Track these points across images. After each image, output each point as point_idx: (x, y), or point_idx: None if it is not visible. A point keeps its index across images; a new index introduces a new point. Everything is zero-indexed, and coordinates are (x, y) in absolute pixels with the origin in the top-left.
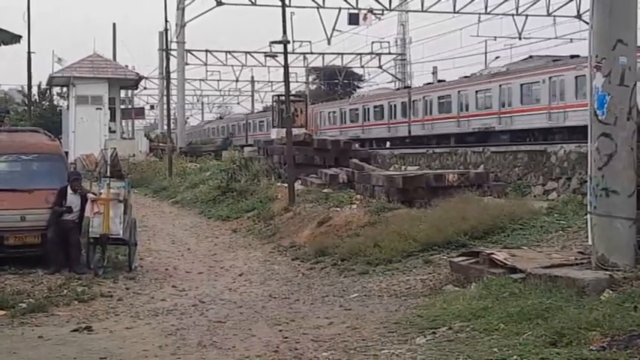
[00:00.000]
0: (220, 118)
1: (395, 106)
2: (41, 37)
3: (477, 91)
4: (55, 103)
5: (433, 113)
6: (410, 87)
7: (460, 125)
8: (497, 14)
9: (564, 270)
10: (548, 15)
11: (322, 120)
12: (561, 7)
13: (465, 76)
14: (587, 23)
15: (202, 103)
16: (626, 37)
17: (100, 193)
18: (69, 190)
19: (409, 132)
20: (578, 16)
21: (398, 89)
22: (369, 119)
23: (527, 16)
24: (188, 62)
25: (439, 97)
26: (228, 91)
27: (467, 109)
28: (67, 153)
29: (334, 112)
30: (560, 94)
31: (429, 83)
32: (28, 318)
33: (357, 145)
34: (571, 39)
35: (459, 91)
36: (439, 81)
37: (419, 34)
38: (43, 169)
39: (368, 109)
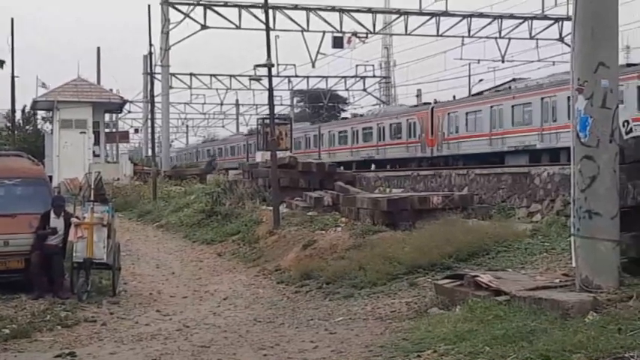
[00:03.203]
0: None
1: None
2: (25, 61)
3: None
4: (40, 127)
5: None
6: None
7: None
8: (481, 37)
9: (548, 292)
10: (531, 38)
11: (453, 125)
12: (544, 30)
13: None
14: (569, 46)
15: (187, 127)
16: (607, 60)
17: (84, 218)
18: (52, 215)
19: None
20: (561, 39)
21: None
22: (554, 119)
23: (510, 39)
24: (172, 85)
25: None
26: (213, 115)
27: None
28: (50, 177)
29: (477, 113)
30: None
31: None
32: (11, 344)
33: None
34: (553, 62)
35: None
36: None
37: (403, 57)
38: (27, 193)
39: (554, 103)
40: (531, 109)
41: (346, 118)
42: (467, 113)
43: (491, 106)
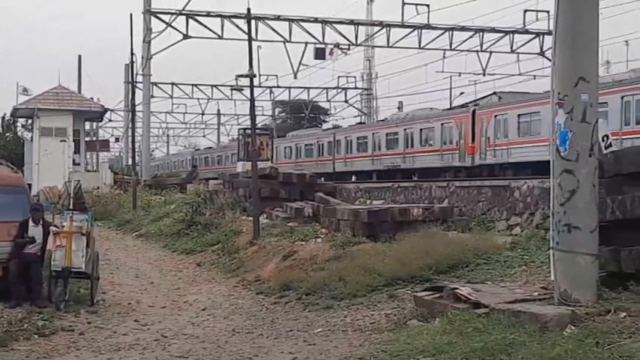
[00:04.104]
0: None
1: None
2: (5, 68)
3: None
4: (20, 134)
5: None
6: None
7: None
8: (462, 50)
9: (527, 305)
10: (512, 52)
11: (501, 129)
12: (525, 44)
13: None
14: (549, 60)
15: (168, 136)
16: (587, 75)
17: (63, 226)
18: (30, 223)
19: None
20: (541, 54)
21: None
22: (638, 121)
23: (491, 52)
24: (154, 95)
25: None
26: (194, 124)
27: None
28: (30, 185)
29: (534, 115)
30: None
31: None
32: None
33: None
34: (534, 76)
35: None
36: None
37: (385, 69)
38: (5, 201)
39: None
40: (607, 110)
41: (362, 123)
42: (519, 115)
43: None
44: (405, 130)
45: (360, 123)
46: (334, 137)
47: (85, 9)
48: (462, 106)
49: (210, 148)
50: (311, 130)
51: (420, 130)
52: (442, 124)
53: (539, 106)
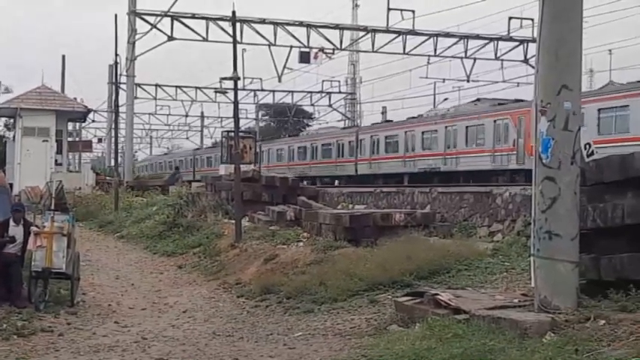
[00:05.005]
0: None
1: None
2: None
3: None
4: (2, 133)
5: None
6: None
7: None
8: (447, 57)
9: (507, 312)
10: (496, 59)
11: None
12: (509, 51)
13: None
14: (533, 68)
15: (151, 137)
16: (570, 83)
17: (44, 226)
18: (11, 222)
19: None
20: (525, 61)
21: None
22: None
23: (475, 59)
24: (137, 96)
25: None
26: (178, 126)
27: None
28: (11, 185)
29: (618, 110)
30: None
31: None
32: None
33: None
34: (518, 83)
35: None
36: None
37: (369, 73)
38: None
39: None
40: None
41: (390, 121)
42: (599, 110)
43: None
44: (446, 127)
45: (387, 121)
46: (357, 136)
47: (84, 9)
48: (516, 100)
49: (214, 146)
50: (327, 129)
51: (466, 127)
52: (495, 121)
53: (628, 99)
